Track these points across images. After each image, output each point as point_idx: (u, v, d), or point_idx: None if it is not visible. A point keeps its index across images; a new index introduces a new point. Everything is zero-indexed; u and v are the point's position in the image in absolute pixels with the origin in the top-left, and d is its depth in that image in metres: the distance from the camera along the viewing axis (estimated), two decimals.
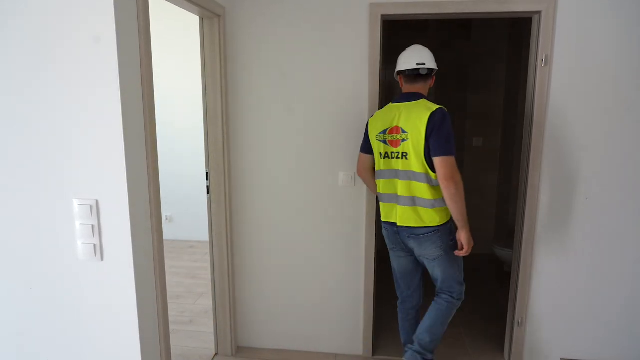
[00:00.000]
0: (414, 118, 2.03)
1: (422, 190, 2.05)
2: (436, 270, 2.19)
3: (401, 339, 2.51)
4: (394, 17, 2.42)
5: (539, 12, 2.26)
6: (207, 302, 3.39)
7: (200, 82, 2.48)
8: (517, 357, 2.60)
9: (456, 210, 2.00)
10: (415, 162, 2.03)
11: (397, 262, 2.34)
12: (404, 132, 2.06)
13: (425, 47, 2.21)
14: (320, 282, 2.69)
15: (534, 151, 2.38)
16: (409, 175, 2.07)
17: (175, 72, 4.40)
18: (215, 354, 2.76)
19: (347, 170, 2.54)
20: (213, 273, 2.67)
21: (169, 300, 3.39)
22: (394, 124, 2.09)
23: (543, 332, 2.56)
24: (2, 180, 1.56)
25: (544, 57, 2.27)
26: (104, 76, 1.45)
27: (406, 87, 2.18)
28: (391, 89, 4.32)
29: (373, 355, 2.74)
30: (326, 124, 2.51)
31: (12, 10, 1.45)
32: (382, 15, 2.36)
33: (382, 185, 2.21)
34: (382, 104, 2.35)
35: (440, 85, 4.13)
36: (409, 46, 2.28)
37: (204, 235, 4.72)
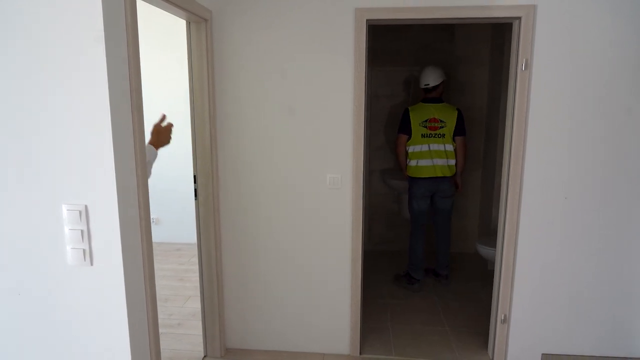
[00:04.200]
0: (448, 114, 3.42)
1: (451, 154, 3.45)
2: (449, 202, 3.62)
3: (419, 259, 3.65)
4: (379, 22, 2.46)
5: (519, 18, 2.32)
6: (195, 305, 3.39)
7: (188, 85, 2.49)
8: (501, 353, 2.67)
9: (464, 163, 3.58)
10: (449, 139, 3.43)
11: (424, 204, 3.59)
12: (441, 121, 3.39)
13: (435, 67, 3.49)
14: (308, 282, 2.72)
15: (515, 152, 2.45)
16: (445, 147, 3.43)
17: (163, 75, 4.38)
18: (204, 356, 2.77)
19: (334, 172, 2.57)
20: (201, 275, 2.68)
21: (157, 303, 3.38)
22: (431, 116, 3.39)
23: (526, 329, 2.63)
24: None
25: (524, 61, 2.34)
26: (92, 79, 1.46)
27: (427, 94, 3.48)
28: (377, 91, 4.38)
29: (360, 354, 2.78)
30: (313, 127, 2.54)
31: None
32: (367, 20, 2.40)
33: (419, 154, 3.43)
34: (368, 106, 2.38)
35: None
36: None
37: (191, 238, 4.68)
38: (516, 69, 2.38)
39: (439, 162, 3.44)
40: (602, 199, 2.46)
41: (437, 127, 3.41)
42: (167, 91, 4.37)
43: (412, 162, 3.48)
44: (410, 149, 3.47)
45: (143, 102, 1.71)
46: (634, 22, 2.27)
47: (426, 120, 3.41)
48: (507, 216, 2.52)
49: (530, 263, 2.56)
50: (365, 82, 2.48)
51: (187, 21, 2.38)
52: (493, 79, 4.13)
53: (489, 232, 4.08)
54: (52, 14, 1.44)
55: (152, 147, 2.03)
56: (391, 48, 4.27)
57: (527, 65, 2.35)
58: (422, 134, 3.41)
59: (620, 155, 2.41)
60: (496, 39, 4.08)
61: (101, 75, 1.45)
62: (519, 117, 2.40)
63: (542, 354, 2.65)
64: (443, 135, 3.42)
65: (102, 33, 1.43)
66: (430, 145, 3.42)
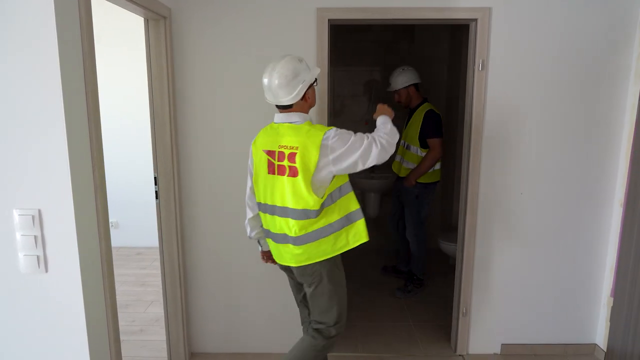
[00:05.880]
0: None
1: None
2: None
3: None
4: (340, 21, 2.47)
5: (475, 20, 2.40)
6: (158, 310, 3.30)
7: (147, 84, 2.42)
8: (463, 345, 2.75)
9: None
10: None
11: None
12: None
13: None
14: (272, 284, 2.69)
15: (473, 150, 2.53)
16: None
17: (121, 74, 4.24)
18: None
19: None
20: (164, 280, 2.61)
21: (117, 310, 3.27)
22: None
23: (486, 321, 2.73)
24: None
25: (480, 62, 2.42)
26: (45, 78, 1.40)
27: (418, 96, 3.43)
28: (341, 89, 4.41)
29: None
30: None
31: None
32: (329, 20, 2.41)
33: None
34: (331, 104, 2.40)
35: (387, 86, 4.25)
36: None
37: (152, 241, 4.56)
38: (473, 69, 2.46)
39: None
40: (557, 194, 2.58)
41: None
42: (125, 91, 4.24)
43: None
44: None
45: (100, 102, 1.65)
46: (587, 22, 2.39)
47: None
48: (467, 213, 2.60)
49: (489, 257, 2.65)
50: (327, 81, 2.49)
51: (144, 18, 2.31)
52: (451, 78, 4.25)
53: (450, 228, 4.19)
54: (2, 12, 1.36)
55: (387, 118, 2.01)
56: (353, 47, 4.31)
57: (484, 66, 2.43)
58: None
59: (575, 153, 2.53)
60: (454, 40, 4.20)
61: (54, 74, 1.39)
62: (477, 116, 2.48)
63: (502, 344, 2.75)
64: None
65: (55, 32, 1.37)
66: None
